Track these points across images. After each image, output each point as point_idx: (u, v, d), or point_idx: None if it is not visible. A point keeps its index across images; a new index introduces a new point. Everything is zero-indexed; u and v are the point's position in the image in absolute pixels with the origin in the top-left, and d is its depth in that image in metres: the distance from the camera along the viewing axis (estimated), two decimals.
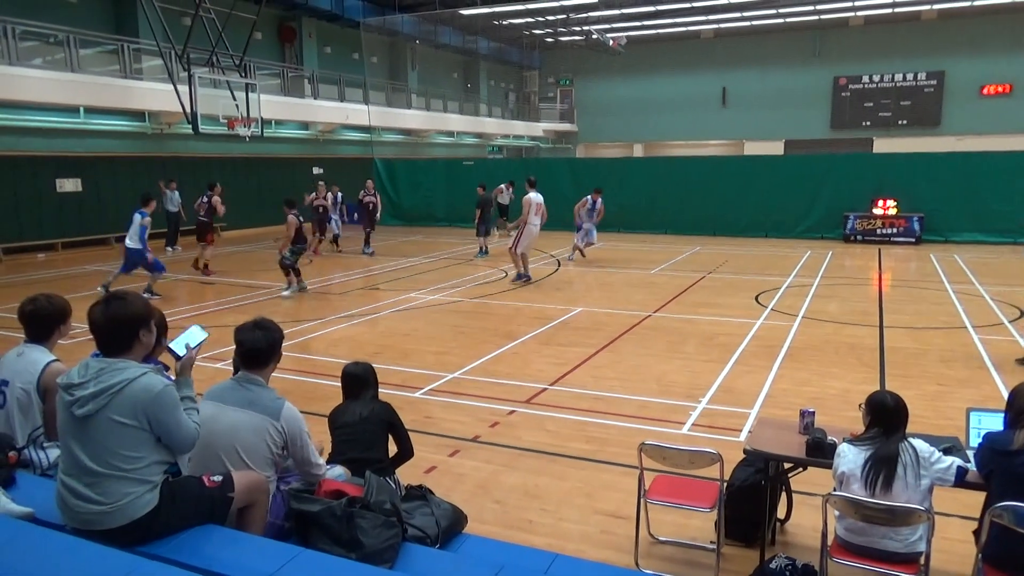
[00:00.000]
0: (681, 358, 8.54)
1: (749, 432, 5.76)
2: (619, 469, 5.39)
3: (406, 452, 4.17)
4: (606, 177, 21.85)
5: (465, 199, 21.41)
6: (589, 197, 16.58)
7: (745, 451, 4.12)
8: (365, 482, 3.45)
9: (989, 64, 32.90)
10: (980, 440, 3.52)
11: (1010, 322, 10.06)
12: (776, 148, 35.33)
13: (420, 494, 3.68)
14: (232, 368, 3.76)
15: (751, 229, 20.95)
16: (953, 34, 33.20)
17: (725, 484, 4.10)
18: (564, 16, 32.73)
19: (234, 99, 18.39)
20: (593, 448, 5.88)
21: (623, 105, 39.74)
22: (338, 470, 3.74)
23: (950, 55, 33.41)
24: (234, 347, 3.50)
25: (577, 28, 35.23)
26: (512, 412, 6.74)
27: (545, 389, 7.38)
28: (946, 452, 3.62)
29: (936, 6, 31.71)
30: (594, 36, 35.00)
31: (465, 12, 30.52)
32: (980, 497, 3.49)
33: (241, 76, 18.68)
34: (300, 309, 11.55)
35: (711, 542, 4.10)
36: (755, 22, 34.20)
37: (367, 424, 3.96)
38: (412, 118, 31.06)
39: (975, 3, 30.76)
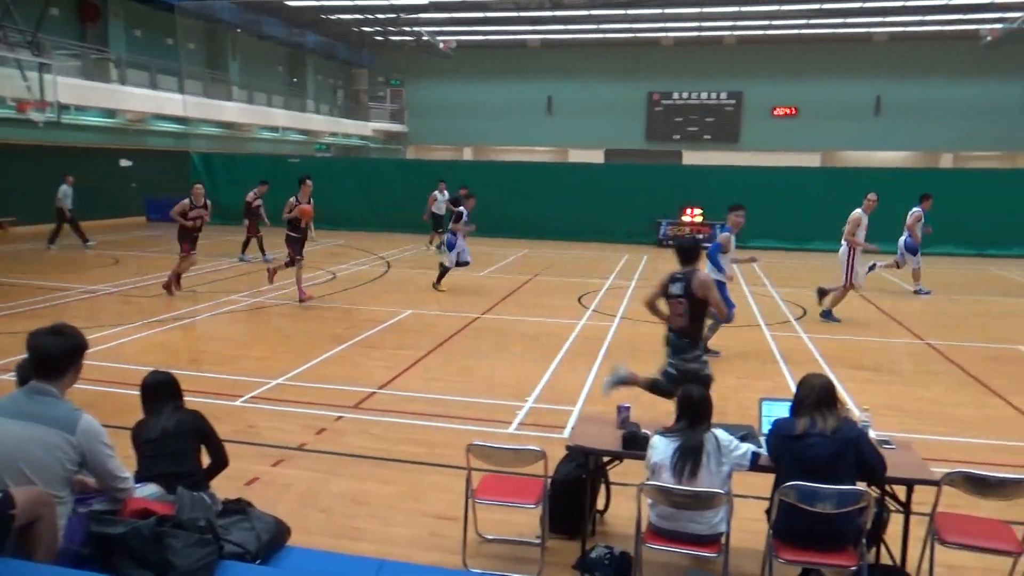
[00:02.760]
0: (509, 359, 8.76)
1: (572, 429, 6.02)
2: (448, 471, 5.43)
3: (220, 462, 3.95)
4: (435, 179, 21.96)
5: (289, 198, 20.50)
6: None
7: (567, 447, 4.30)
8: (176, 499, 3.24)
9: (779, 88, 36.57)
10: (770, 427, 3.91)
11: (796, 320, 11.23)
12: (597, 156, 37.13)
13: (239, 508, 3.51)
14: (17, 379, 3.39)
15: (575, 233, 21.86)
16: (750, 59, 36.56)
17: (549, 480, 4.26)
18: (394, 15, 32.47)
19: (25, 80, 16.53)
20: (422, 451, 5.88)
21: (454, 108, 40.06)
22: (151, 488, 3.48)
23: (748, 78, 36.77)
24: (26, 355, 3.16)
25: (408, 28, 35.08)
26: (339, 418, 6.59)
27: (374, 393, 7.29)
28: (743, 439, 3.99)
29: (736, 32, 34.76)
30: (424, 38, 35.03)
31: (291, 3, 29.43)
32: (771, 479, 3.87)
33: (34, 55, 16.83)
34: (107, 313, 10.60)
35: (536, 537, 4.24)
36: (578, 35, 35.76)
37: (174, 437, 3.70)
38: (233, 111, 29.46)
39: (768, 32, 34.06)
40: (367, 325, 10.18)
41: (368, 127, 40.68)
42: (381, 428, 6.37)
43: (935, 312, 12.09)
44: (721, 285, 8.68)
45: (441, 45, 35.32)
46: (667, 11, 29.79)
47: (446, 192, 18.76)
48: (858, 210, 11.53)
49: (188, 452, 3.75)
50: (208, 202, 12.63)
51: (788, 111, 36.98)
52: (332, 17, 33.61)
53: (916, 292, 13.85)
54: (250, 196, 16.42)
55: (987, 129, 34.86)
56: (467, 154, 40.16)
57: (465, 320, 10.68)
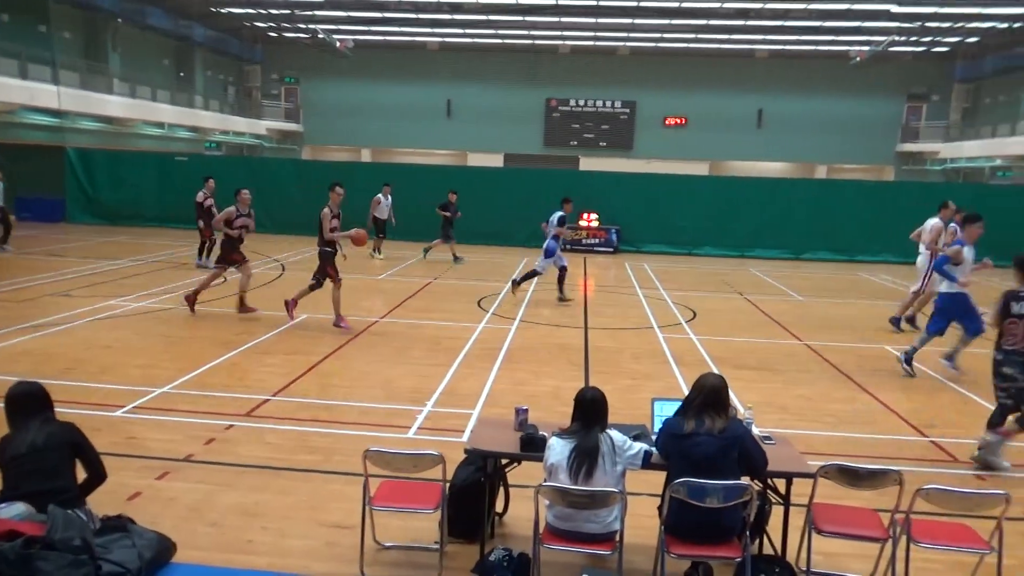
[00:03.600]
0: (408, 363, 8.69)
1: (471, 432, 6.03)
2: (345, 478, 5.33)
3: (97, 476, 3.72)
4: (331, 180, 21.54)
5: (179, 197, 19.66)
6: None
7: (466, 451, 4.32)
8: (48, 518, 3.03)
9: (671, 99, 38.01)
10: (661, 426, 4.06)
11: (686, 322, 11.68)
12: (497, 160, 37.43)
13: (119, 525, 3.33)
14: None
15: (475, 237, 21.88)
16: (643, 70, 37.83)
17: (448, 484, 4.26)
18: (288, 11, 31.64)
19: None
20: (318, 459, 5.75)
21: (351, 108, 39.39)
22: (17, 507, 3.24)
23: (640, 88, 38.01)
24: None
25: (303, 25, 34.25)
26: (230, 427, 6.35)
27: (267, 400, 7.06)
28: (636, 438, 4.12)
29: (629, 44, 35.88)
30: (320, 36, 34.28)
31: None
32: (663, 476, 4.01)
33: None
34: None
35: (435, 542, 4.23)
36: (476, 39, 35.94)
37: (44, 451, 3.46)
38: (114, 105, 27.87)
39: (660, 45, 35.34)
40: (260, 330, 9.86)
41: (262, 125, 39.43)
42: (275, 436, 6.19)
43: (812, 315, 12.84)
44: (966, 297, 8.99)
45: (338, 44, 34.66)
46: (564, 20, 30.39)
47: (390, 196, 18.13)
48: (936, 219, 11.37)
49: (61, 467, 3.52)
50: (253, 211, 11.35)
51: (679, 121, 38.48)
52: (222, 11, 32.40)
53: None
54: (200, 196, 15.37)
55: (857, 143, 37.45)
56: (365, 155, 39.58)
57: (363, 324, 10.52)
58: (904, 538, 3.93)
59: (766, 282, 16.72)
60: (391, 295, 13.03)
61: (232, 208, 10.90)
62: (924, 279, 11.26)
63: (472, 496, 4.36)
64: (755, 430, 4.36)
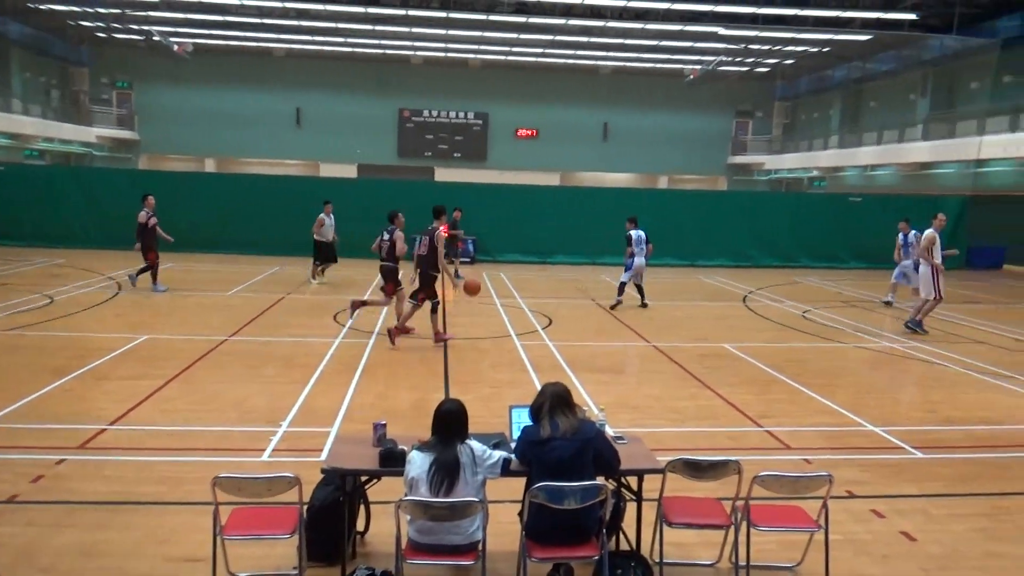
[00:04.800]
0: (261, 382, 8.35)
1: (329, 450, 5.88)
2: (195, 508, 5.04)
3: None
4: (173, 193, 20.34)
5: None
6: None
7: (323, 470, 4.21)
8: None
9: (522, 111, 38.96)
10: (519, 434, 4.16)
11: (543, 329, 11.99)
12: (350, 171, 36.76)
13: None
14: None
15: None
16: (494, 83, 38.53)
17: (306, 506, 4.14)
18: (119, 11, 29.54)
19: None
20: (164, 490, 5.41)
21: (193, 116, 37.33)
22: None
23: (493, 100, 38.70)
24: None
25: (136, 27, 32.09)
26: (62, 461, 5.83)
27: (104, 430, 6.55)
28: (496, 447, 4.19)
29: (480, 56, 36.42)
30: (156, 38, 32.29)
31: None
32: (524, 482, 4.10)
33: None
34: None
35: (293, 568, 4.09)
36: (325, 47, 35.17)
37: None
38: None
39: (510, 58, 36.13)
40: (95, 354, 9.12)
41: (91, 132, 36.51)
42: (115, 468, 5.75)
43: (658, 318, 13.55)
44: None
45: (175, 47, 32.79)
46: (414, 30, 30.38)
47: (332, 216, 16.39)
48: (931, 230, 12.20)
49: None
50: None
51: (530, 133, 39.49)
52: (42, 7, 29.74)
53: (886, 302, 15.54)
54: (142, 216, 14.05)
55: (694, 156, 40.03)
56: (209, 165, 37.66)
57: (210, 344, 9.99)
58: (745, 523, 4.24)
59: (616, 288, 17.44)
60: (241, 312, 12.47)
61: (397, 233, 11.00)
62: (935, 286, 12.07)
63: (331, 516, 4.26)
64: (608, 430, 4.56)
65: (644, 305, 14.18)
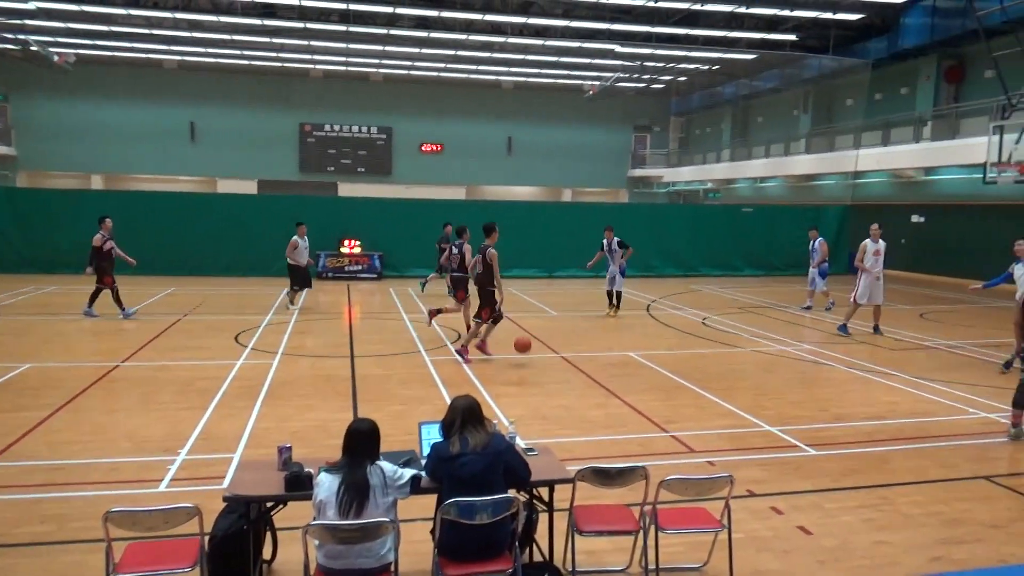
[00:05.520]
0: (156, 409, 7.96)
1: (231, 477, 5.67)
2: (85, 546, 4.74)
3: None
4: (55, 211, 19.24)
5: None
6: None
7: (225, 498, 4.05)
8: None
9: (426, 125, 38.86)
10: (429, 451, 4.12)
11: (452, 343, 11.95)
12: (250, 187, 35.67)
13: None
14: None
15: (230, 268, 20.69)
16: (398, 96, 38.29)
17: (207, 537, 3.97)
18: None
19: None
20: (50, 529, 5.06)
21: (77, 130, 35.30)
22: None
23: (396, 114, 38.44)
24: None
25: (10, 36, 30.14)
26: None
27: None
28: (406, 464, 4.15)
29: (382, 70, 36.14)
30: (34, 48, 30.42)
31: None
32: (435, 500, 4.06)
33: None
34: None
35: None
36: (220, 60, 34.07)
37: None
38: None
39: (412, 73, 36.02)
40: None
41: None
42: None
43: (566, 328, 13.76)
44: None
45: (56, 58, 30.97)
46: (313, 43, 29.86)
47: (306, 238, 15.38)
48: (867, 240, 13.21)
49: None
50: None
51: (435, 147, 39.43)
52: None
53: (806, 308, 16.44)
54: (97, 240, 13.17)
55: (596, 169, 40.99)
56: (96, 182, 35.67)
57: (100, 371, 9.45)
58: (653, 527, 4.34)
59: (524, 300, 17.63)
60: (133, 336, 11.86)
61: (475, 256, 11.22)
62: (858, 290, 13.20)
63: (235, 546, 4.09)
64: (519, 443, 4.58)
65: (614, 309, 15.08)
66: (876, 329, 13.40)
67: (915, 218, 23.39)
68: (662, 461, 6.54)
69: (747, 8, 24.47)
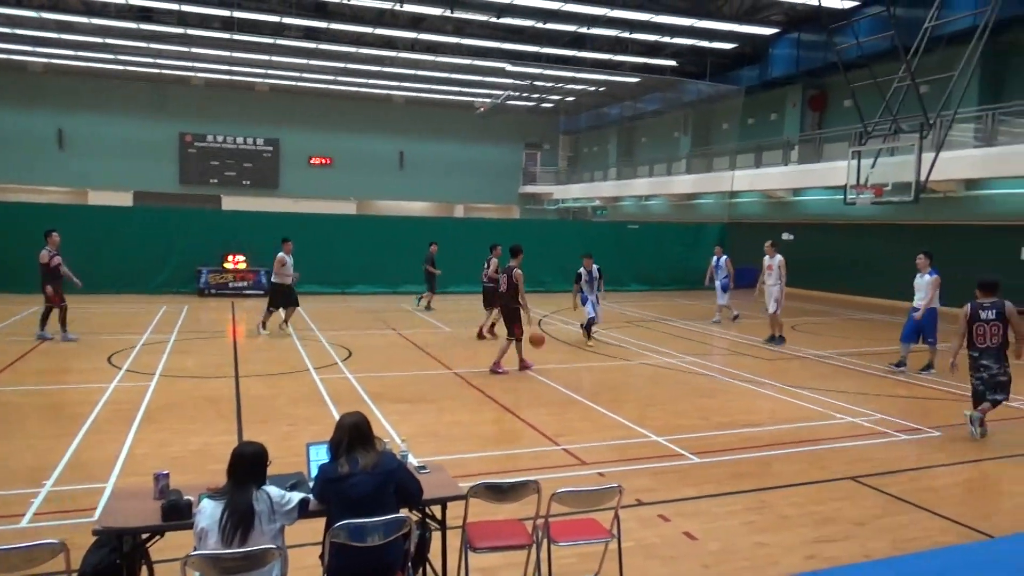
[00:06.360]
0: (20, 437, 7.35)
1: (103, 508, 5.30)
2: None
3: None
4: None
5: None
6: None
7: (95, 531, 3.79)
8: None
9: (315, 138, 38.06)
10: (316, 473, 4.00)
11: (342, 361, 11.70)
12: (125, 199, 33.74)
13: None
14: None
15: (103, 285, 19.41)
16: (285, 108, 37.32)
17: (75, 575, 3.69)
18: None
19: None
20: None
21: None
22: None
23: (284, 126, 37.44)
24: None
25: None
26: None
27: None
28: (293, 487, 4.01)
29: (268, 80, 35.14)
30: None
31: None
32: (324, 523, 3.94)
33: None
34: None
35: None
36: (93, 64, 32.15)
37: None
38: None
39: (300, 84, 35.22)
40: None
41: None
42: None
43: (460, 344, 13.75)
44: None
45: None
46: (193, 50, 28.69)
47: (292, 256, 14.26)
48: (780, 256, 14.39)
49: None
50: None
51: (324, 160, 38.65)
52: None
53: (715, 323, 17.36)
54: (44, 256, 12.12)
55: (488, 185, 41.36)
56: None
57: None
58: (545, 540, 4.38)
59: (416, 316, 17.51)
60: None
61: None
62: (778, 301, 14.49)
63: None
64: (411, 460, 4.53)
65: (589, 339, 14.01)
66: (773, 339, 14.53)
67: (785, 236, 24.88)
68: (554, 474, 6.62)
69: (630, 33, 25.47)
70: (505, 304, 11.24)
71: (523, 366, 11.22)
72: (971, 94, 18.47)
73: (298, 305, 14.78)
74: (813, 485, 6.61)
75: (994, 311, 7.91)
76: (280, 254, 14.18)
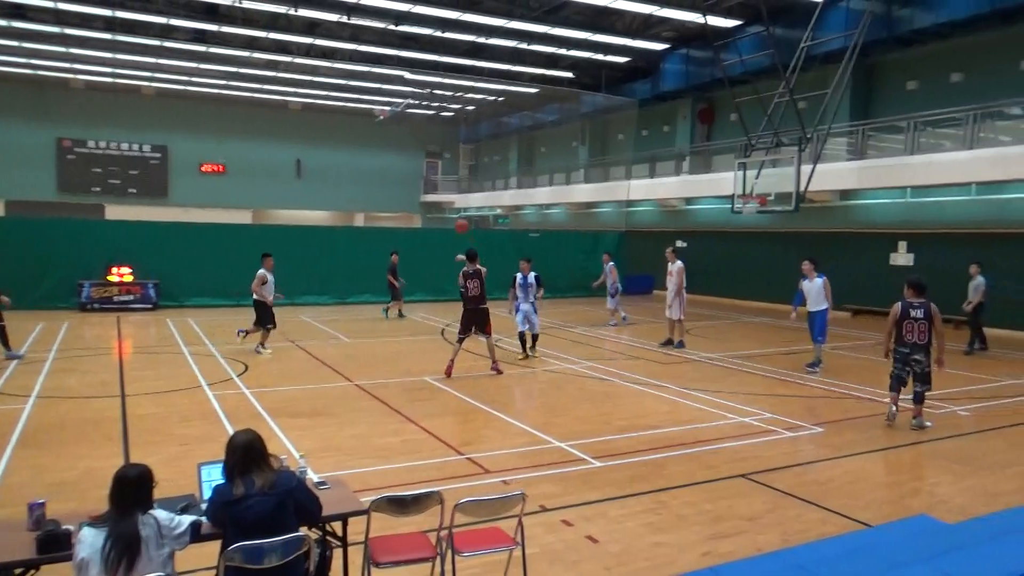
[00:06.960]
0: None
1: None
2: None
3: None
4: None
5: None
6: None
7: None
8: None
9: (206, 145, 36.65)
10: (210, 495, 3.84)
11: (238, 376, 11.28)
12: None
13: None
14: None
15: None
16: (173, 113, 35.76)
17: None
18: None
19: None
20: None
21: None
22: None
23: (172, 132, 35.86)
24: None
25: None
26: None
27: None
28: (184, 510, 3.83)
29: (154, 84, 33.57)
30: None
31: None
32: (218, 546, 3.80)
33: None
34: None
35: None
36: None
37: None
38: None
39: (189, 88, 33.83)
40: None
41: None
42: None
43: (360, 355, 13.53)
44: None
45: None
46: (73, 51, 27.08)
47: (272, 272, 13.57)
48: (680, 263, 14.90)
49: None
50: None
51: (217, 168, 37.26)
52: None
53: (612, 325, 18.27)
54: None
55: (389, 194, 40.97)
56: None
57: None
58: (449, 552, 4.37)
59: (316, 327, 17.11)
60: None
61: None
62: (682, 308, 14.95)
63: None
64: (311, 476, 4.42)
65: (525, 356, 13.47)
66: (671, 343, 15.08)
67: (679, 243, 25.83)
68: (458, 484, 6.61)
69: (528, 45, 25.86)
70: (476, 307, 11.80)
71: (496, 368, 11.96)
72: (844, 110, 19.80)
73: (275, 326, 13.82)
74: (707, 484, 6.88)
75: (922, 310, 8.71)
76: (261, 271, 13.54)
